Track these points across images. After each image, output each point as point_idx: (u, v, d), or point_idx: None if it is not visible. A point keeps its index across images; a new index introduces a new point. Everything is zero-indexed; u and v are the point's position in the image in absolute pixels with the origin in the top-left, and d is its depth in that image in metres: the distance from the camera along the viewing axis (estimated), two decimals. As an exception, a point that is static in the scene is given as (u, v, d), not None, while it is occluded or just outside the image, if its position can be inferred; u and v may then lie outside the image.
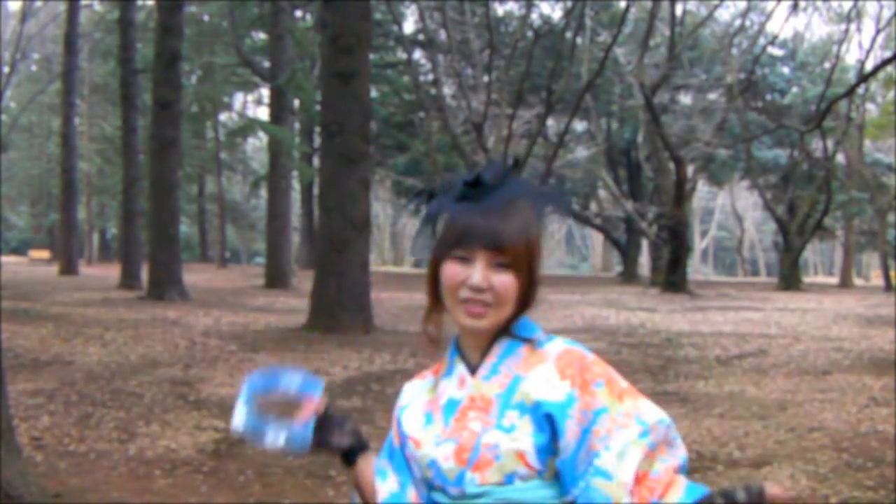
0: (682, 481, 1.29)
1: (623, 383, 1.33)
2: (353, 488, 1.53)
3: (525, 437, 1.30)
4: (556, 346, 1.37)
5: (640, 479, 1.27)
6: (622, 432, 1.28)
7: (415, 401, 1.46)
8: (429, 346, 1.45)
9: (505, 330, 1.38)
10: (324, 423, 1.49)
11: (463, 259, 1.33)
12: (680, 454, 1.34)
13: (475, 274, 1.32)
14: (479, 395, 1.36)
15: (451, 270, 1.34)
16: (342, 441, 1.49)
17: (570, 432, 1.28)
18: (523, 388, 1.33)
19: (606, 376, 1.32)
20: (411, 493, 1.42)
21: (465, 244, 1.33)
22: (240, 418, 1.48)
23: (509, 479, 1.30)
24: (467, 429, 1.34)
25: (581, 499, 1.27)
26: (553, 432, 1.29)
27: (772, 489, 1.23)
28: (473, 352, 1.40)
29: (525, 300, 1.36)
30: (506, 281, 1.33)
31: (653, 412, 1.31)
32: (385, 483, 1.45)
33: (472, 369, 1.39)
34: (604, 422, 1.28)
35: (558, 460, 1.29)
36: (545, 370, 1.32)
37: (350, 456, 1.50)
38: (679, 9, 25.41)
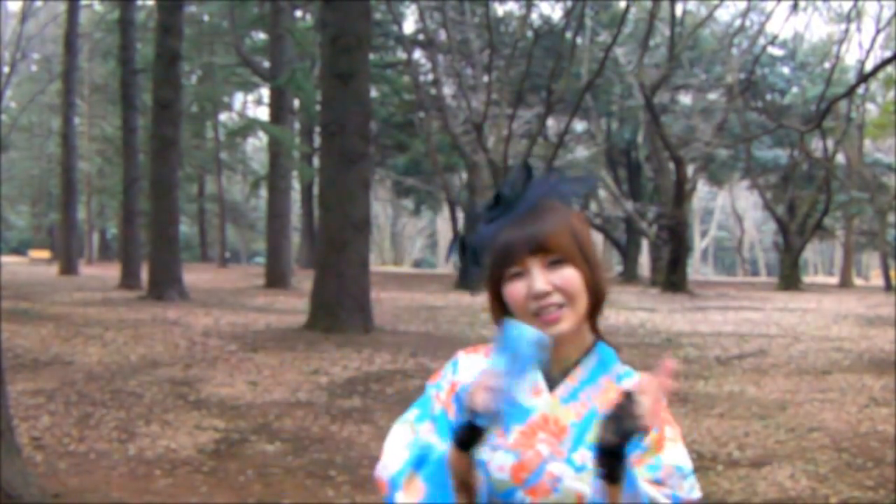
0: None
1: (676, 427, 1.34)
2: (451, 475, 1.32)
3: (590, 481, 1.26)
4: (634, 381, 1.32)
5: None
6: (672, 482, 1.29)
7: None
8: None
9: (590, 347, 1.36)
10: None
11: (518, 275, 1.31)
12: (680, 493, 1.30)
13: (535, 281, 1.29)
14: (553, 417, 1.32)
15: (513, 289, 1.31)
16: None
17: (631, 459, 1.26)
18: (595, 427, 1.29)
19: (671, 422, 1.32)
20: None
21: (513, 259, 1.31)
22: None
23: None
24: (534, 448, 1.30)
25: None
26: None
27: (630, 383, 1.21)
28: (554, 362, 1.33)
29: (595, 288, 1.33)
30: (567, 275, 1.30)
31: (687, 461, 1.32)
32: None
33: (550, 382, 1.34)
34: (659, 471, 1.28)
35: None
36: None
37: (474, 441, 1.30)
38: (679, 9, 25.41)
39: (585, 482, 1.27)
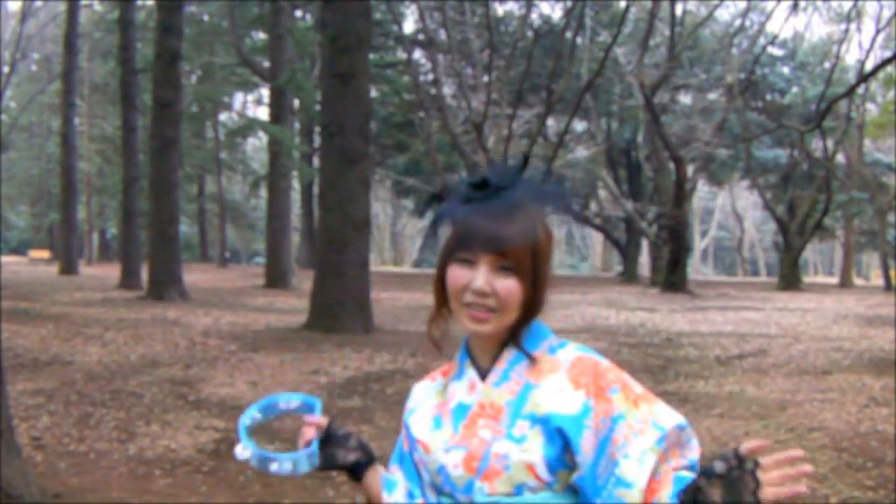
0: (671, 476, 1.26)
1: (638, 388, 1.32)
2: (359, 496, 1.57)
3: (535, 449, 1.28)
4: (569, 352, 1.34)
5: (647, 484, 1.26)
6: (639, 439, 1.26)
7: (423, 404, 1.44)
8: (433, 347, 1.43)
9: (514, 337, 1.35)
10: (328, 441, 1.48)
11: (467, 262, 1.31)
12: (690, 455, 1.31)
13: (478, 278, 1.30)
14: (488, 401, 1.34)
15: (455, 273, 1.32)
16: (348, 457, 1.48)
17: (586, 444, 1.26)
18: (535, 396, 1.31)
19: (621, 382, 1.30)
20: None
21: (468, 246, 1.31)
22: (245, 451, 1.46)
23: (518, 490, 1.29)
24: (477, 437, 1.32)
25: None
26: (565, 444, 1.27)
27: (746, 445, 1.19)
28: (483, 355, 1.37)
29: (530, 306, 1.33)
30: (509, 286, 1.30)
31: (669, 416, 1.30)
32: (392, 494, 1.44)
33: (483, 374, 1.37)
34: (621, 429, 1.26)
35: (577, 477, 1.27)
36: (558, 380, 1.30)
37: (357, 470, 1.49)
38: (679, 9, 25.41)
39: (532, 452, 1.28)
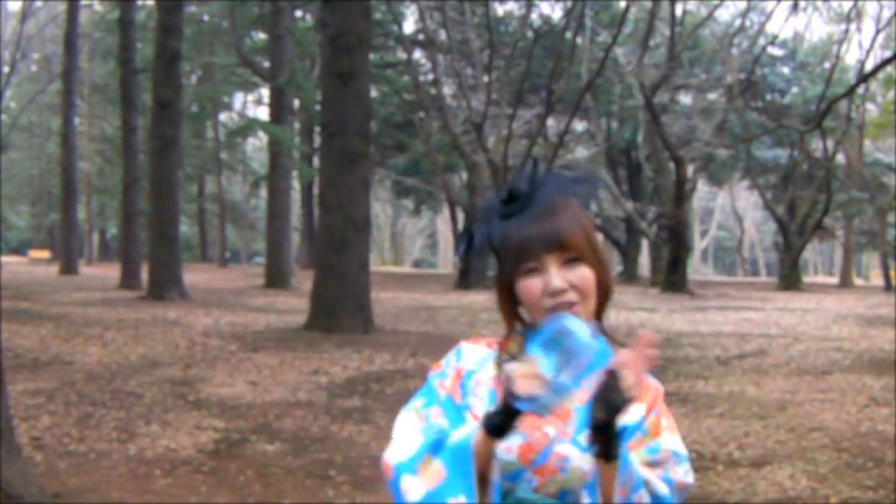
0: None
1: (671, 418, 1.41)
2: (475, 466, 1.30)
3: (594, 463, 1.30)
4: None
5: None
6: (668, 466, 1.35)
7: (481, 370, 1.41)
8: (519, 352, 1.39)
9: (598, 321, 1.39)
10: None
11: (534, 271, 1.33)
12: (674, 476, 1.36)
13: (553, 278, 1.32)
14: None
15: (529, 285, 1.34)
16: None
17: (632, 441, 1.33)
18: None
19: (667, 413, 1.40)
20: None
21: (531, 255, 1.33)
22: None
23: (563, 496, 1.31)
24: (540, 430, 1.33)
25: None
26: None
27: (613, 361, 1.20)
28: None
29: (604, 287, 1.37)
30: (583, 273, 1.33)
31: (683, 449, 1.39)
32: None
33: None
34: (658, 454, 1.35)
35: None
36: None
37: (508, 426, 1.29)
38: (679, 9, 25.42)
39: (591, 462, 1.30)
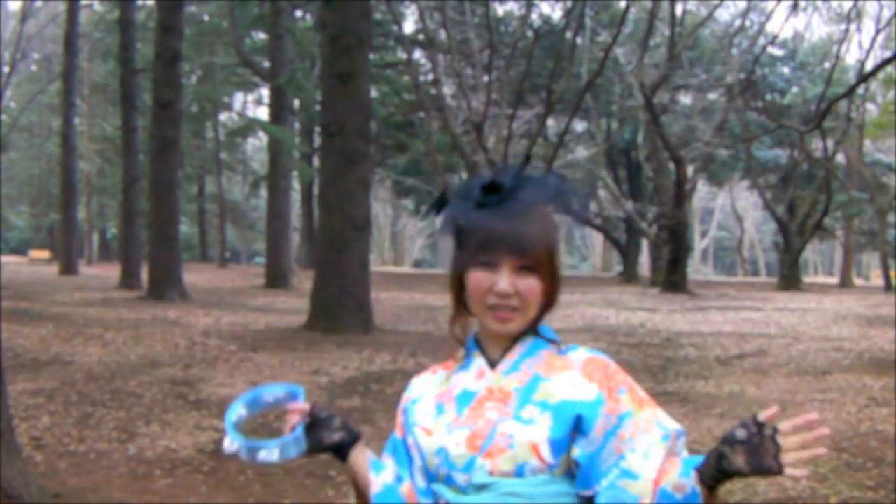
0: (678, 461, 1.31)
1: (642, 393, 1.37)
2: (350, 485, 1.55)
3: (542, 431, 1.31)
4: (580, 354, 1.40)
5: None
6: (646, 436, 1.31)
7: (425, 394, 1.46)
8: (457, 348, 1.47)
9: (533, 330, 1.41)
10: (313, 425, 1.50)
11: (487, 265, 1.35)
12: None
13: (501, 280, 1.34)
14: (497, 387, 1.38)
15: (477, 278, 1.36)
16: (332, 437, 1.49)
17: (598, 428, 1.31)
18: (545, 387, 1.35)
19: (628, 384, 1.36)
20: (405, 487, 1.43)
21: (490, 250, 1.34)
22: (232, 444, 1.47)
23: (520, 470, 1.31)
24: (483, 417, 1.36)
25: (604, 499, 1.29)
26: (572, 430, 1.32)
27: (764, 413, 1.23)
28: (495, 349, 1.42)
29: (549, 302, 1.39)
30: (531, 285, 1.35)
31: (670, 421, 1.36)
32: (379, 476, 1.46)
33: (492, 364, 1.41)
34: (628, 426, 1.31)
35: (582, 453, 1.31)
36: (571, 376, 1.35)
37: (343, 450, 1.50)
38: (679, 9, 25.40)
39: (537, 433, 1.31)
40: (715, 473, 1.24)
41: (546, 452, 1.31)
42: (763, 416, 1.22)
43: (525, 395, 1.35)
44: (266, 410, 1.58)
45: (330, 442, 1.49)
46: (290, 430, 1.48)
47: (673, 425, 1.34)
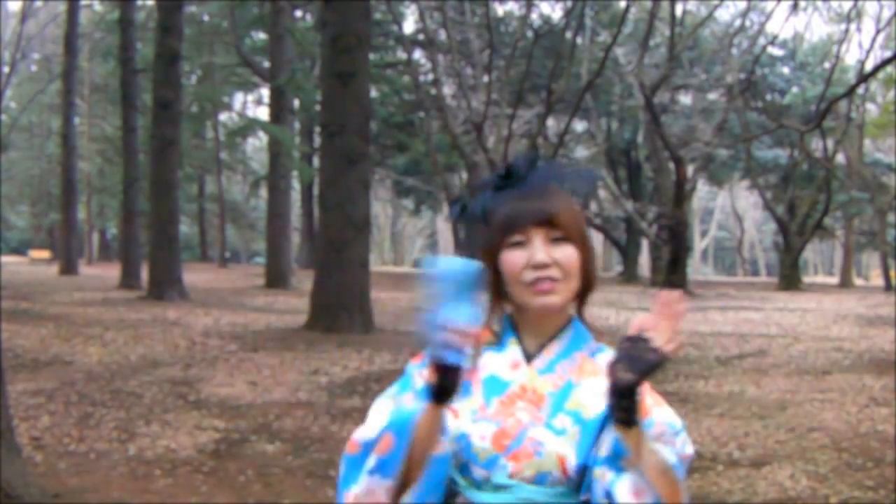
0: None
1: (656, 395, 1.38)
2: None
3: (571, 445, 1.30)
4: (608, 357, 1.36)
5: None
6: (666, 439, 1.33)
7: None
8: (494, 342, 1.41)
9: (579, 310, 1.40)
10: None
11: (519, 244, 1.34)
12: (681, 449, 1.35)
13: (537, 252, 1.32)
14: (531, 386, 1.35)
15: (511, 257, 1.34)
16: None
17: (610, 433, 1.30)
18: (577, 396, 1.34)
19: (648, 390, 1.35)
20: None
21: (518, 227, 1.33)
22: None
23: (541, 478, 1.30)
24: (514, 416, 1.33)
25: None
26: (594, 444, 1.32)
27: (630, 329, 1.21)
28: (532, 337, 1.39)
29: (588, 272, 1.37)
30: (569, 252, 1.34)
31: (676, 419, 1.37)
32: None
33: (528, 356, 1.38)
34: (653, 428, 1.32)
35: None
36: (597, 383, 1.33)
37: (448, 393, 1.27)
38: (679, 9, 25.39)
39: (567, 445, 1.31)
40: (614, 402, 1.20)
41: (571, 467, 1.30)
42: (631, 331, 1.21)
43: (558, 401, 1.34)
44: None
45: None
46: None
47: (679, 422, 1.36)
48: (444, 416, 1.28)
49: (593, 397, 1.33)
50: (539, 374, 1.36)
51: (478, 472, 1.32)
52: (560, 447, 1.30)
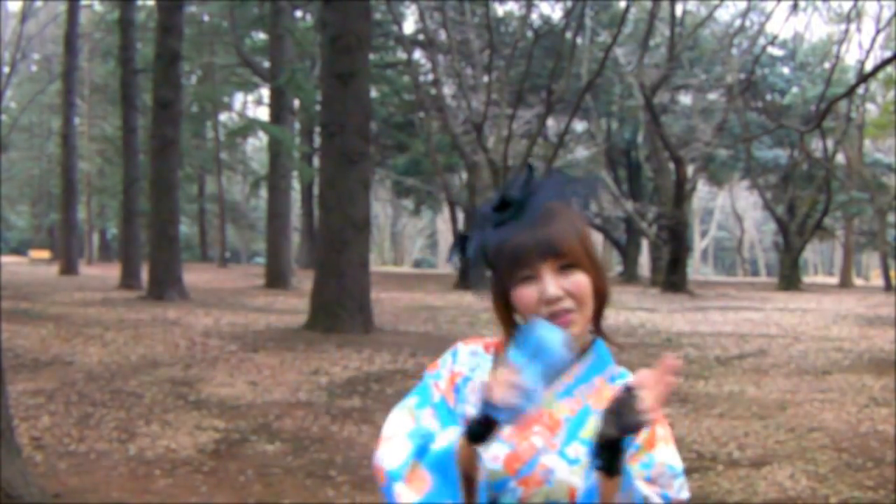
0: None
1: (666, 426, 1.36)
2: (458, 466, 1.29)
3: (583, 474, 1.29)
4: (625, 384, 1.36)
5: None
6: (663, 481, 1.30)
7: (476, 375, 1.40)
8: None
9: (596, 329, 1.39)
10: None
11: (528, 279, 1.32)
12: (668, 492, 1.32)
13: (548, 286, 1.31)
14: (548, 411, 1.33)
15: (524, 293, 1.32)
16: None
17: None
18: (592, 422, 1.31)
19: (663, 421, 1.34)
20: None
21: (525, 263, 1.32)
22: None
23: None
24: (528, 440, 1.32)
25: None
26: None
27: (633, 378, 1.20)
28: None
29: (602, 292, 1.36)
30: (579, 280, 1.32)
31: (678, 461, 1.35)
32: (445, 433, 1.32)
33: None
34: (656, 466, 1.31)
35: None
36: None
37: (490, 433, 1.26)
38: (679, 9, 25.41)
39: (578, 476, 1.29)
40: (596, 449, 1.21)
41: (579, 497, 1.28)
42: (628, 381, 1.21)
43: (574, 428, 1.32)
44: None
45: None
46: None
47: (680, 465, 1.33)
48: (479, 451, 1.27)
49: None
50: (557, 399, 1.35)
51: (487, 493, 1.31)
52: (571, 477, 1.29)
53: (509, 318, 1.37)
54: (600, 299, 1.36)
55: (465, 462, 1.26)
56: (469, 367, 1.41)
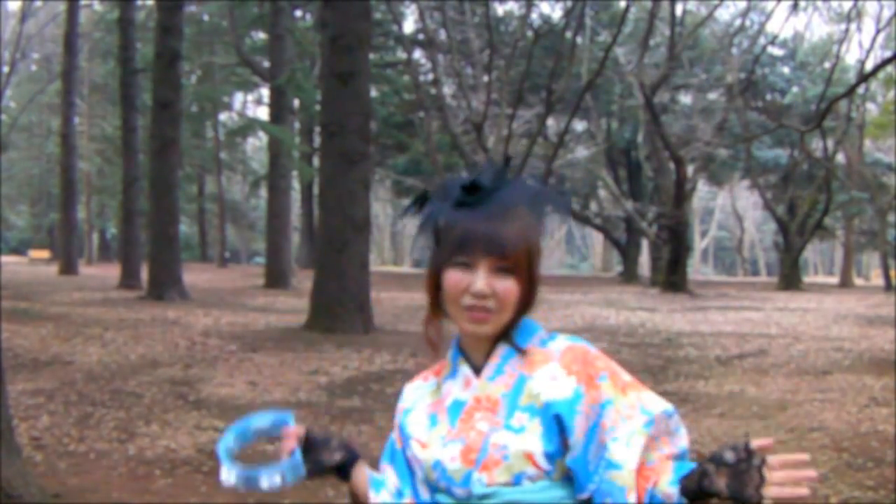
0: (671, 465, 1.28)
1: (626, 376, 1.34)
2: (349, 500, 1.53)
3: (534, 439, 1.30)
4: (560, 343, 1.37)
5: (639, 470, 1.27)
6: (627, 423, 1.28)
7: (418, 403, 1.45)
8: (430, 349, 1.44)
9: (506, 336, 1.38)
10: (310, 447, 1.49)
11: (464, 265, 1.33)
12: (680, 444, 1.32)
13: (478, 281, 1.32)
14: (484, 395, 1.36)
15: (454, 278, 1.34)
16: (333, 458, 1.49)
17: (578, 428, 1.28)
18: (530, 388, 1.33)
19: (609, 370, 1.33)
20: (407, 502, 1.43)
21: (467, 250, 1.32)
22: (229, 475, 1.45)
23: (517, 479, 1.30)
24: (474, 429, 1.34)
25: (598, 497, 1.28)
26: (562, 433, 1.30)
27: (756, 442, 1.21)
28: (476, 353, 1.40)
29: (525, 303, 1.36)
30: (508, 286, 1.33)
31: (656, 402, 1.32)
32: (379, 494, 1.45)
33: (477, 370, 1.39)
34: (609, 414, 1.28)
35: (570, 458, 1.29)
36: (551, 368, 1.33)
37: (344, 470, 1.50)
38: (679, 9, 25.40)
39: (531, 441, 1.30)
40: (696, 489, 1.22)
41: (541, 460, 1.29)
42: (755, 444, 1.20)
43: (512, 400, 1.33)
44: (256, 440, 1.56)
45: (331, 462, 1.49)
46: (287, 455, 1.47)
47: (658, 407, 1.30)
48: (355, 483, 1.49)
49: (545, 385, 1.32)
50: (489, 381, 1.36)
51: (459, 492, 1.33)
52: (523, 444, 1.30)
53: (436, 294, 1.39)
54: (522, 309, 1.37)
55: (358, 498, 1.48)
56: (412, 400, 1.47)
